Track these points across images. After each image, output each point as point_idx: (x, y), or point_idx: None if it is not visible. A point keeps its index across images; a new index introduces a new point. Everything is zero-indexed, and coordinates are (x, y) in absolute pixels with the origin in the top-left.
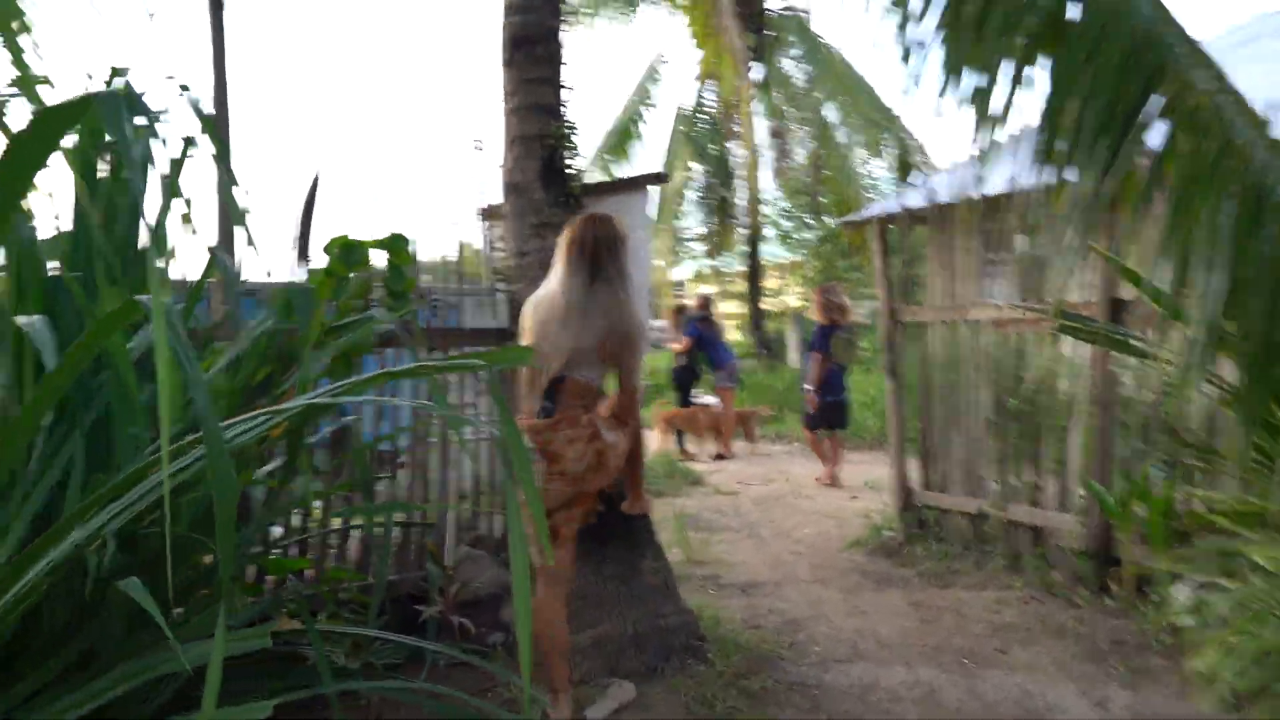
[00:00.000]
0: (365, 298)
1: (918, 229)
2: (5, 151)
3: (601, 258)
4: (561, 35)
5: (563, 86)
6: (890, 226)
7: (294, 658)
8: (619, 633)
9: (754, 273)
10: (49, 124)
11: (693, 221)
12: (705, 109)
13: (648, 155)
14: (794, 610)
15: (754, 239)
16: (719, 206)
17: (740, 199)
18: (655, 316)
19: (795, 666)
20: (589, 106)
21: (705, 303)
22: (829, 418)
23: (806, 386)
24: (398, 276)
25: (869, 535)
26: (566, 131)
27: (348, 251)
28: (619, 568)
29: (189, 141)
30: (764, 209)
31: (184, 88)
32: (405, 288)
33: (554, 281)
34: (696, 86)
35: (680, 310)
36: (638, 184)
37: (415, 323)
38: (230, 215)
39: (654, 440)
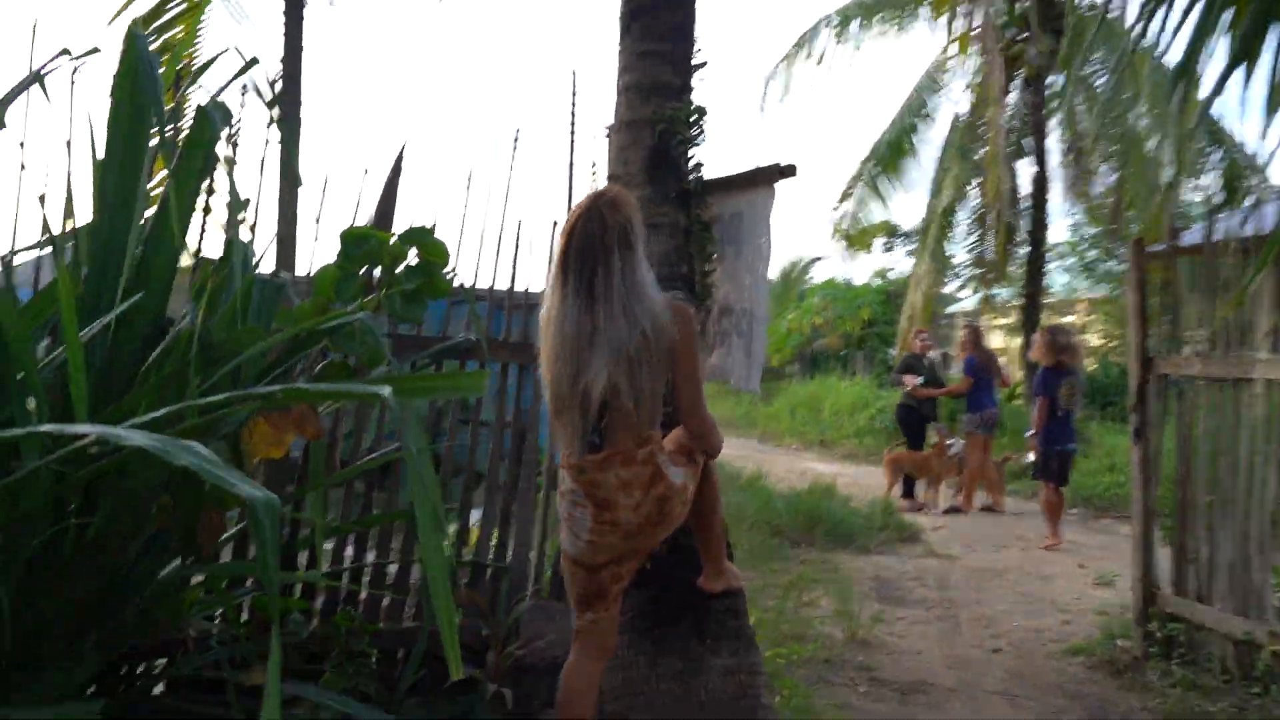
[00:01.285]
0: (380, 297)
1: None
2: None
3: (599, 255)
4: (694, 2)
5: (692, 65)
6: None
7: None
8: None
9: (1032, 306)
10: None
11: (967, 246)
12: (983, 120)
13: (922, 171)
14: None
15: (1034, 268)
16: (999, 230)
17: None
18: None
19: None
20: (863, 115)
21: (974, 338)
22: (1049, 469)
23: (1029, 433)
24: (414, 274)
25: (1097, 642)
26: (685, 116)
27: (358, 243)
28: (680, 662)
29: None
30: (1055, 234)
31: (252, 61)
32: (426, 288)
33: (549, 295)
34: (971, 96)
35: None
36: (763, 178)
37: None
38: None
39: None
